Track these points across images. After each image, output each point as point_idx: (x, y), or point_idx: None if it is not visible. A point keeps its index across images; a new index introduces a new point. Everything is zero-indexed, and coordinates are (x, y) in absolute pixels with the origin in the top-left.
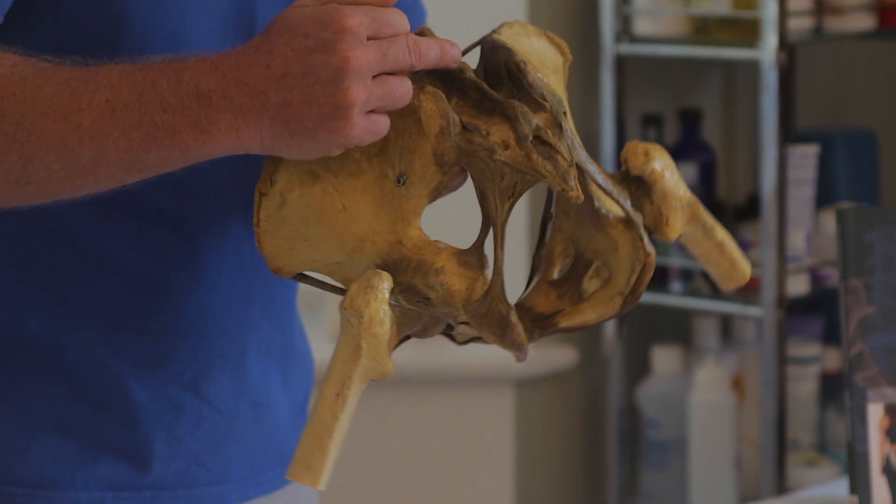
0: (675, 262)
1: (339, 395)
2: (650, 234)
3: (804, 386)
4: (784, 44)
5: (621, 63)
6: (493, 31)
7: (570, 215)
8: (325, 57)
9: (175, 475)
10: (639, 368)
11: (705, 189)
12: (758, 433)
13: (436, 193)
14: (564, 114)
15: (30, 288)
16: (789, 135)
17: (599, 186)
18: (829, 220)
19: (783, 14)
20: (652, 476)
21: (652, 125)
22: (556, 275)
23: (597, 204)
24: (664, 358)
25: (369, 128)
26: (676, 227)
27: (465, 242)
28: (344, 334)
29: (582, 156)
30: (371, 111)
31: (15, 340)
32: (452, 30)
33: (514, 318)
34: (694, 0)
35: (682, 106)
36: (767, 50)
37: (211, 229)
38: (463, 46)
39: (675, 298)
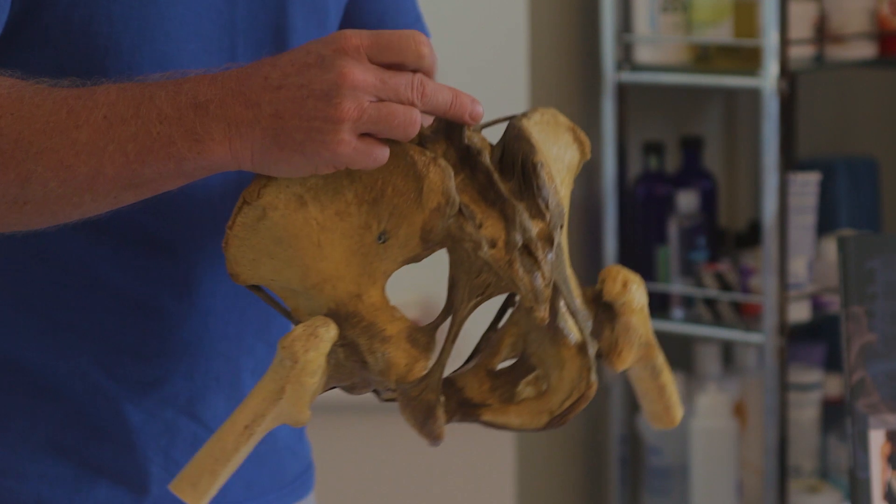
0: (676, 288)
1: (248, 429)
2: (599, 357)
3: (806, 412)
4: (785, 72)
5: (623, 91)
6: (524, 115)
7: (530, 314)
8: (322, 72)
9: (173, 498)
10: None
11: (707, 216)
12: (759, 459)
13: (409, 262)
14: (561, 227)
15: (24, 313)
16: (790, 162)
17: (568, 307)
18: (830, 248)
19: (784, 42)
20: (653, 502)
21: (653, 153)
22: (496, 365)
23: (559, 321)
24: None
25: (360, 149)
26: (626, 361)
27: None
28: (273, 372)
29: (564, 272)
30: (368, 135)
31: (11, 365)
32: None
33: (440, 412)
34: (695, 28)
35: (683, 133)
36: (769, 78)
37: (204, 253)
38: (459, 49)
39: (676, 325)
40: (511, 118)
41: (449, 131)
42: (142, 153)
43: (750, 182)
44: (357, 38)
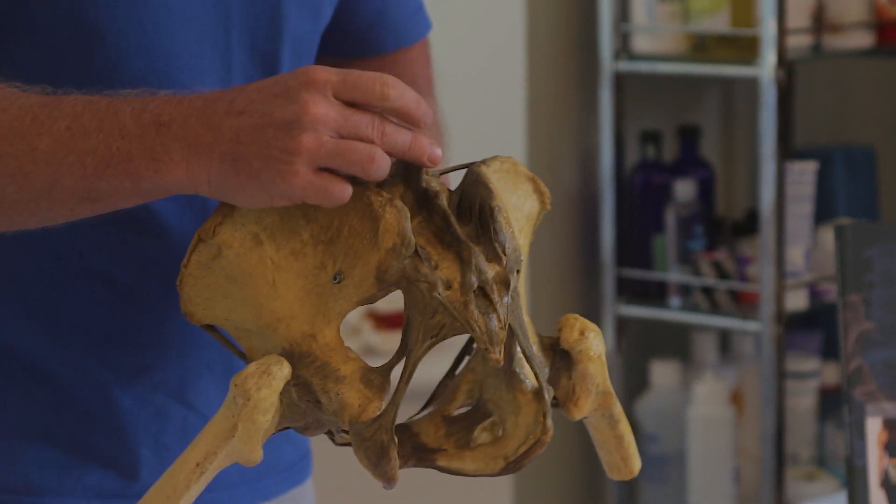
0: (673, 277)
1: (199, 466)
2: (557, 405)
3: (803, 400)
4: (783, 61)
5: (620, 80)
6: (483, 162)
7: (487, 362)
8: (285, 102)
9: None
10: (637, 383)
11: (704, 205)
12: (756, 447)
13: (363, 303)
14: (518, 272)
15: (13, 299)
16: (788, 151)
17: (524, 352)
18: (827, 236)
19: (782, 32)
20: (651, 490)
21: (650, 142)
22: (452, 411)
23: (515, 366)
24: (663, 372)
25: (315, 184)
26: (584, 409)
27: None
28: (225, 409)
29: (520, 317)
30: (327, 171)
31: (2, 349)
32: (453, 40)
33: (393, 452)
34: (693, 18)
35: (680, 123)
36: (766, 67)
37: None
38: (461, 45)
39: (673, 313)
40: (470, 164)
41: (407, 174)
42: (100, 167)
43: (747, 171)
44: (326, 73)
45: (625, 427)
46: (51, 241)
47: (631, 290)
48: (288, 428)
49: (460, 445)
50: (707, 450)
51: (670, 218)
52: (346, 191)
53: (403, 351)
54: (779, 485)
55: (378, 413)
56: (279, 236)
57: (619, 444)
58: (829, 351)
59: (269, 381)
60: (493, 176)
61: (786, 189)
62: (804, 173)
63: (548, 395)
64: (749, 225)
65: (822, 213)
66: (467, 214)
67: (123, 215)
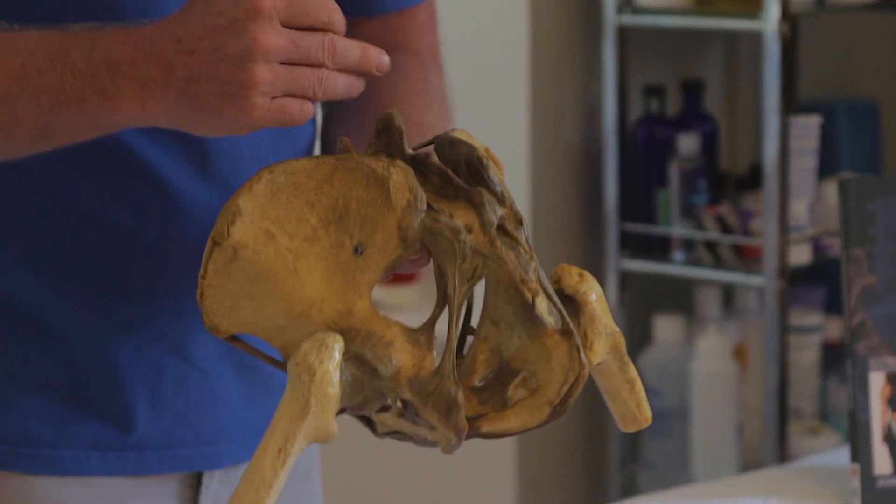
0: (676, 231)
1: (282, 451)
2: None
3: (806, 355)
4: (787, 15)
5: (623, 34)
6: (446, 133)
7: (500, 326)
8: (234, 36)
9: (161, 436)
10: (641, 337)
11: (707, 159)
12: (759, 402)
13: (393, 268)
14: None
15: (10, 247)
16: (791, 105)
17: (545, 290)
18: (831, 190)
19: None
20: (653, 444)
21: (654, 96)
22: (476, 382)
23: (537, 311)
24: (666, 327)
25: (273, 110)
26: (599, 352)
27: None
28: (292, 390)
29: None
30: (283, 96)
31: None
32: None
33: (461, 399)
34: None
35: (684, 77)
36: (770, 21)
37: (195, 189)
38: (463, 40)
39: (676, 268)
40: (434, 139)
41: (389, 148)
42: (55, 106)
43: (751, 125)
44: (270, 1)
45: (634, 371)
46: (48, 187)
47: (634, 245)
48: (345, 410)
49: (498, 408)
50: (710, 404)
51: (673, 172)
52: (306, 108)
53: (443, 301)
54: (782, 439)
55: (436, 366)
56: (288, 227)
57: (631, 389)
58: (833, 305)
59: (329, 353)
60: (466, 139)
61: (789, 143)
62: (808, 127)
63: (575, 329)
64: (752, 179)
65: (826, 168)
66: (455, 174)
67: (122, 165)
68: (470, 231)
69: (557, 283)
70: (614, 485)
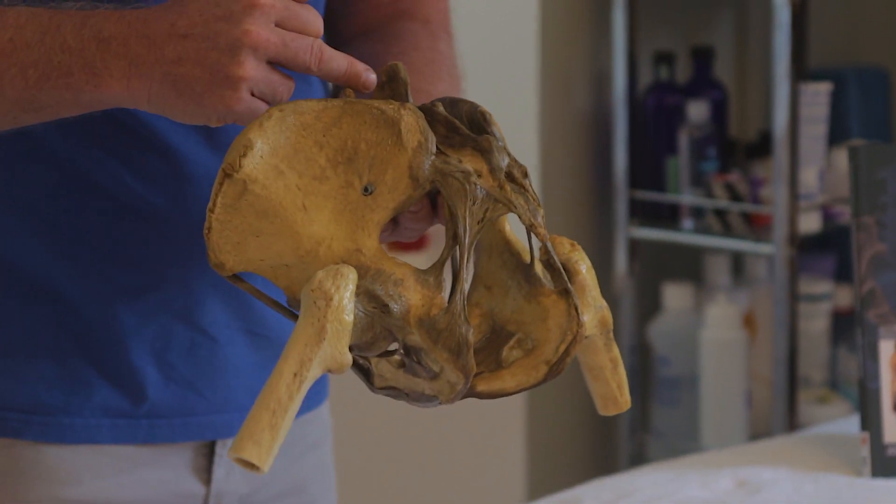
0: (686, 199)
1: (297, 376)
2: None
3: (815, 323)
4: None
5: (633, 1)
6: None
7: (493, 290)
8: (228, 27)
9: (172, 403)
10: (650, 305)
11: (717, 127)
12: (769, 370)
13: (402, 208)
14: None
15: (19, 215)
16: (802, 72)
17: (544, 246)
18: (841, 158)
19: None
20: (663, 412)
21: (664, 63)
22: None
23: (533, 270)
24: (675, 295)
25: (252, 109)
26: (588, 325)
27: None
28: (307, 316)
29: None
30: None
31: (7, 267)
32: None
33: (472, 338)
34: None
35: (694, 43)
36: None
37: (202, 157)
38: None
39: (686, 236)
40: (435, 100)
41: (395, 98)
42: (41, 80)
43: (761, 92)
44: None
45: (618, 351)
46: (56, 154)
47: (643, 213)
48: (352, 349)
49: (493, 368)
50: (719, 373)
51: (683, 140)
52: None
53: (452, 242)
54: (791, 408)
55: (445, 305)
56: (297, 165)
57: (615, 369)
58: (843, 273)
59: (345, 282)
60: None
61: (799, 110)
62: (818, 94)
63: (572, 288)
64: (762, 146)
65: (836, 135)
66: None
67: (127, 132)
68: (480, 175)
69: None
70: (623, 453)
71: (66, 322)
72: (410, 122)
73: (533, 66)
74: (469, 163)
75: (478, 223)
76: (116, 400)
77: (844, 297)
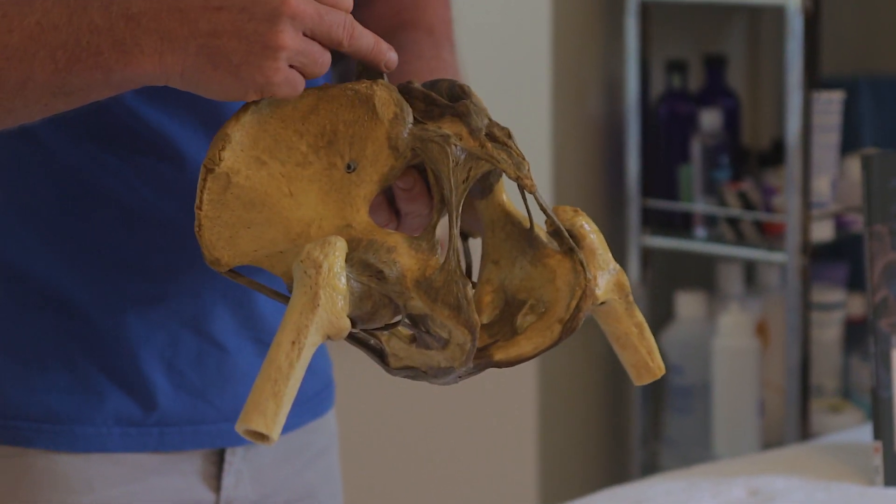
0: (698, 207)
1: (295, 344)
2: None
3: (828, 332)
4: None
5: (646, 8)
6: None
7: (501, 263)
8: None
9: (182, 412)
10: (663, 314)
11: (730, 135)
12: (781, 379)
13: (387, 181)
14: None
15: (31, 224)
16: (814, 81)
17: (540, 204)
18: (853, 166)
19: None
20: (675, 421)
21: (676, 71)
22: (484, 320)
23: (535, 233)
24: (688, 303)
25: (290, 80)
26: (603, 288)
27: None
28: (300, 286)
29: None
30: (292, 66)
31: (18, 275)
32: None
33: (470, 293)
34: None
35: (706, 52)
36: None
37: None
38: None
39: (699, 244)
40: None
41: (371, 77)
42: (70, 62)
43: (773, 100)
44: None
45: (641, 315)
46: (68, 163)
47: (656, 221)
48: (356, 324)
49: (509, 336)
50: (732, 381)
51: (696, 148)
52: (302, 87)
53: (440, 206)
54: (803, 416)
55: (440, 263)
56: (279, 154)
57: (641, 335)
58: (855, 282)
59: (332, 249)
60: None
61: (812, 119)
62: (830, 103)
63: (576, 246)
64: (775, 155)
65: (849, 143)
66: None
67: (139, 140)
68: (460, 139)
69: (552, 224)
70: (636, 462)
71: (76, 331)
72: (383, 95)
73: (546, 74)
74: (448, 129)
75: (462, 182)
76: (127, 408)
77: (857, 305)
